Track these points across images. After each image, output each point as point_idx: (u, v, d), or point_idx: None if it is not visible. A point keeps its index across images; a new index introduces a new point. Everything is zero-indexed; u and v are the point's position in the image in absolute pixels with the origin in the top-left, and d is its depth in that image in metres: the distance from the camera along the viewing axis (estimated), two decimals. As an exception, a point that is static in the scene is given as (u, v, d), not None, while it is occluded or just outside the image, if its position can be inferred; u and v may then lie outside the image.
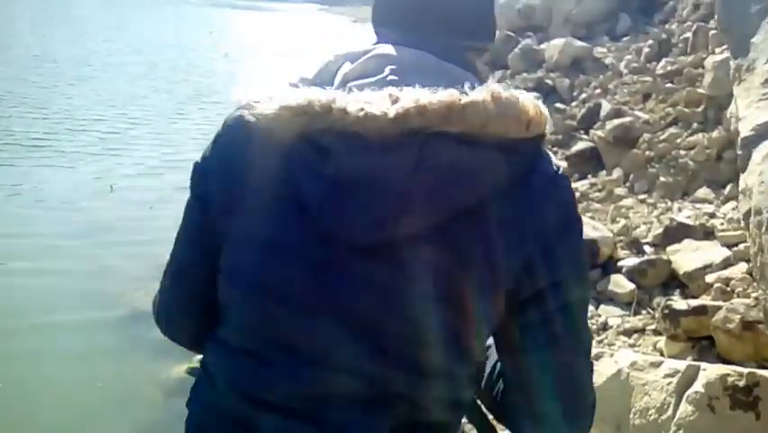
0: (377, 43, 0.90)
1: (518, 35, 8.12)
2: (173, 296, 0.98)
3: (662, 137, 4.58)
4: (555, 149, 5.60)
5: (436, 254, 0.76)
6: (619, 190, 4.52)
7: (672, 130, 4.58)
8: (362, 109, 0.73)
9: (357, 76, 0.82)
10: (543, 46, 7.56)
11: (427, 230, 0.75)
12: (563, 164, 5.37)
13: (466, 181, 0.75)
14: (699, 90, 4.67)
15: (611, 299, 3.50)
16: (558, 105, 6.10)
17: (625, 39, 7.15)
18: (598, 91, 6.11)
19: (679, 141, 4.43)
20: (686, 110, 4.67)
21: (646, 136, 4.69)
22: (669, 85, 5.29)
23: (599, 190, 4.72)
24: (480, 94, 0.75)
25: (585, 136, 5.47)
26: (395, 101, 0.74)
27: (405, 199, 0.74)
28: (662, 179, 4.28)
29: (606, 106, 5.47)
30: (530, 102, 0.78)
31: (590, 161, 5.17)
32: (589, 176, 5.04)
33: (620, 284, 3.50)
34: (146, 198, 7.39)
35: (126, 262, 5.94)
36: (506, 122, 0.75)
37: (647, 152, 4.55)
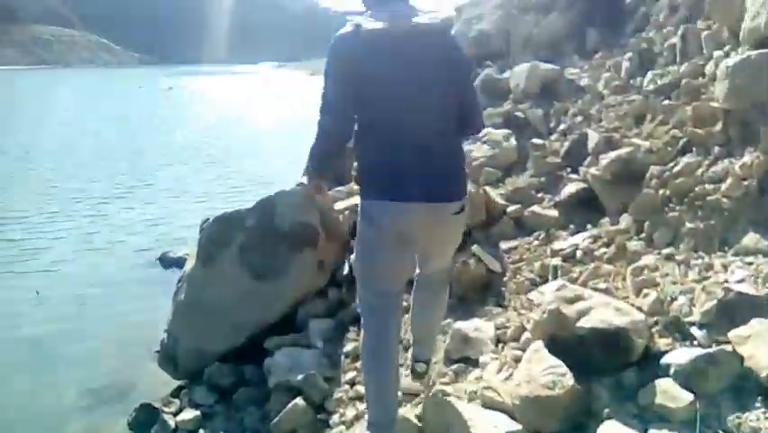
0: (367, 10, 2.37)
1: (476, 66, 7.23)
2: (339, 104, 2.29)
3: (675, 169, 3.59)
4: (540, 194, 4.60)
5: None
6: (634, 244, 3.49)
7: (687, 159, 3.60)
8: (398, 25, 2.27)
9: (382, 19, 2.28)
10: (506, 75, 6.66)
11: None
12: (554, 213, 4.37)
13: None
14: (711, 104, 3.71)
15: (662, 418, 2.42)
16: (535, 140, 5.13)
17: (597, 55, 6.27)
18: (579, 119, 5.16)
19: (700, 172, 3.44)
20: (698, 131, 3.70)
21: (655, 170, 3.70)
22: (666, 102, 4.35)
23: (606, 245, 3.70)
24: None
25: (575, 176, 4.48)
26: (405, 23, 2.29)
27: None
28: (688, 225, 3.27)
29: (593, 136, 4.50)
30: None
31: (587, 207, 4.16)
32: (589, 226, 4.02)
33: (671, 394, 2.42)
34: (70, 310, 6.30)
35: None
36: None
37: (661, 191, 3.55)
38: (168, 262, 7.67)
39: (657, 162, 3.79)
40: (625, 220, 3.69)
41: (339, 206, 5.55)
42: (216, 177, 12.70)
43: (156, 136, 17.24)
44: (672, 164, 3.67)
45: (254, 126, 19.21)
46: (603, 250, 3.66)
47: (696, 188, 3.34)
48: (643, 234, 3.50)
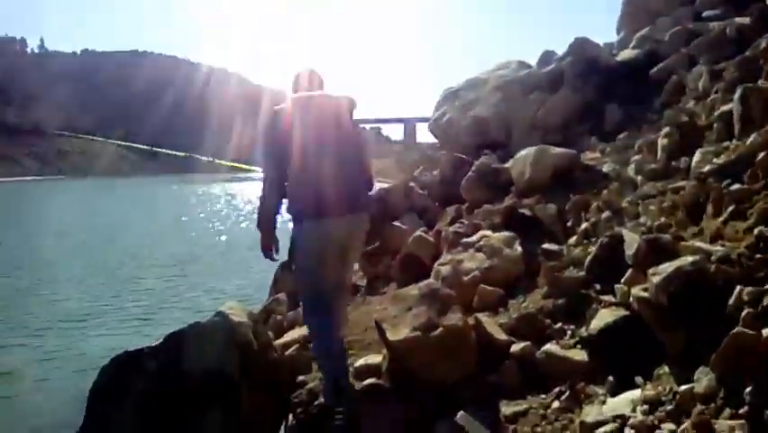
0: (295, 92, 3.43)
1: (471, 156, 5.99)
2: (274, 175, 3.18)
3: (784, 291, 2.17)
4: (559, 324, 3.15)
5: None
6: (727, 425, 2.01)
7: (803, 273, 2.18)
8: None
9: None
10: (508, 164, 5.38)
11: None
12: (581, 355, 2.92)
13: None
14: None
15: None
16: (547, 246, 3.73)
17: (622, 135, 4.99)
18: (606, 215, 3.77)
19: (835, 298, 2.01)
20: (809, 228, 2.30)
21: (745, 292, 2.28)
22: (735, 186, 2.99)
23: (674, 418, 2.21)
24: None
25: (609, 297, 3.04)
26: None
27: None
28: (835, 397, 1.80)
29: (632, 239, 3.09)
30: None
31: (633, 347, 2.69)
32: (640, 380, 2.54)
33: None
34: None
35: None
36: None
37: (765, 330, 2.11)
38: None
39: (743, 278, 2.38)
40: (705, 377, 2.22)
41: (286, 338, 4.13)
42: (177, 296, 11.39)
43: (148, 249, 16.16)
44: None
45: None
46: (671, 427, 2.18)
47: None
48: (744, 408, 2.02)
